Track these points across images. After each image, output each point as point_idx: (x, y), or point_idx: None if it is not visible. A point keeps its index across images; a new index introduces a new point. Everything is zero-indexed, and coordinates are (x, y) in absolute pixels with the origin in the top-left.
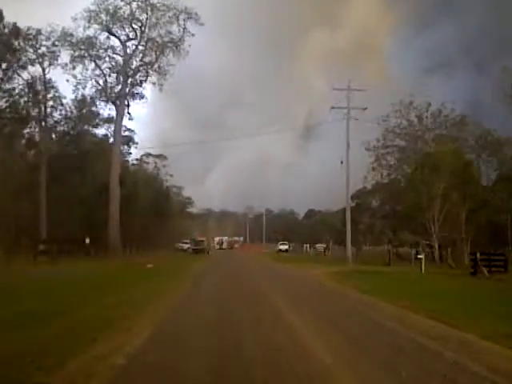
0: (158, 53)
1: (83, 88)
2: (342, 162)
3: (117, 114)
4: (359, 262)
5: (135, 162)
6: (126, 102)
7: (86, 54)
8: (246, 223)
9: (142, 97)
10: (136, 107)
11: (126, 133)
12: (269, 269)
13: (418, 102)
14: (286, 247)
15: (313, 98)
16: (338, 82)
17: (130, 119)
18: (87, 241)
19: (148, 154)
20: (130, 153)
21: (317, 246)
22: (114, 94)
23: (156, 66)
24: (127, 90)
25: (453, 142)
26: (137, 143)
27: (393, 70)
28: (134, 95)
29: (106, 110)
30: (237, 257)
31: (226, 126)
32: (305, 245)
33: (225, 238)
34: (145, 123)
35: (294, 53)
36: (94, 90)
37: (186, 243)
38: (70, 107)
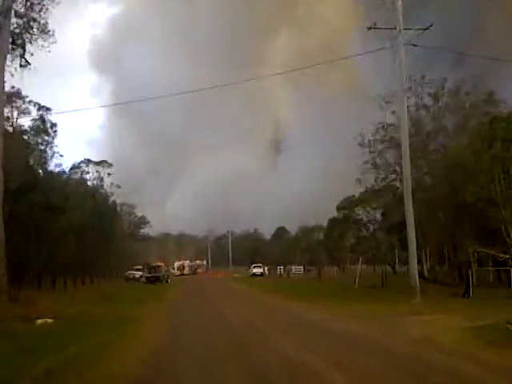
0: None
1: None
2: None
3: None
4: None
5: (69, 170)
6: (21, 42)
7: None
8: (208, 246)
9: (44, 30)
10: (91, 130)
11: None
12: (299, 323)
13: (430, 77)
14: (260, 270)
15: (279, 107)
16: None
17: (23, 66)
18: None
19: (87, 161)
20: (49, 142)
21: (293, 267)
22: None
23: None
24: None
25: None
26: (55, 126)
27: (363, 73)
28: (29, 25)
29: None
30: (209, 286)
31: (187, 145)
32: (278, 267)
33: (186, 263)
34: (97, 146)
35: (256, 60)
36: None
37: (139, 270)
38: None
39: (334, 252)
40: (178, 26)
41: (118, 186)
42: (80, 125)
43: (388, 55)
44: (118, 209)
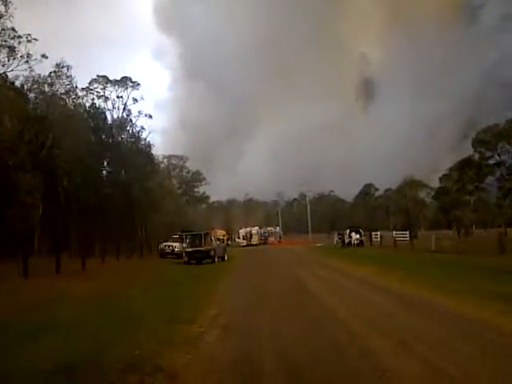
0: None
1: None
2: None
3: None
4: None
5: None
6: None
7: None
8: (278, 211)
9: None
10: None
11: None
12: None
13: None
14: (359, 238)
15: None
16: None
17: None
18: None
19: (106, 79)
20: None
21: (394, 232)
22: None
23: None
24: None
25: None
26: None
27: None
28: None
29: None
30: (296, 271)
31: (261, 104)
32: (374, 233)
33: (255, 230)
34: (168, 108)
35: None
36: None
37: (176, 241)
38: None
39: (451, 211)
40: None
41: (150, 116)
42: (146, 88)
43: None
44: (165, 161)
